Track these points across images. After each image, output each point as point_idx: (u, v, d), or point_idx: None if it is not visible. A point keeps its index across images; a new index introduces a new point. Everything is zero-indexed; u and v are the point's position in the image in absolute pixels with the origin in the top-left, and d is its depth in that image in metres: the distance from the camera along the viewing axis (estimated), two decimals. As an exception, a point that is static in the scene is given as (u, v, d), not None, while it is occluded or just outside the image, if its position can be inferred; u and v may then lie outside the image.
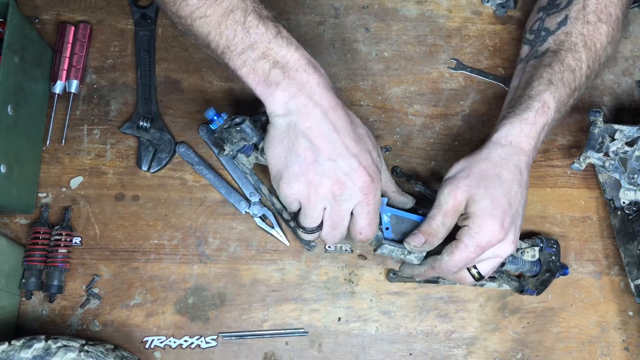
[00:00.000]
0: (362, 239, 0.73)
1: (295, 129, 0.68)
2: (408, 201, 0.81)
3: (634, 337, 0.86)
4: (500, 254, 0.74)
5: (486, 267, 0.76)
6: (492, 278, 0.85)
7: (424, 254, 0.75)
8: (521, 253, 0.83)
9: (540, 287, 0.84)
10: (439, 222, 0.73)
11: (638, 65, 0.95)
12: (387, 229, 0.76)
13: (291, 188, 0.70)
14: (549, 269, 0.83)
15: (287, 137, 0.69)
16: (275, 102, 0.68)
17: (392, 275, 0.84)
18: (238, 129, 0.74)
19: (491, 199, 0.71)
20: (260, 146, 0.75)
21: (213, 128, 0.77)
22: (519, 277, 0.87)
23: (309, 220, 0.72)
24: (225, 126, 0.75)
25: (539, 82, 0.78)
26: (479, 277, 0.76)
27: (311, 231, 0.73)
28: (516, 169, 0.74)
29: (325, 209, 0.71)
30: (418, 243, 0.73)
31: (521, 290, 0.85)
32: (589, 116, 0.84)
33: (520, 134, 0.75)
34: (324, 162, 0.68)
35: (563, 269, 0.85)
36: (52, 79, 0.89)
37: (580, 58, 0.80)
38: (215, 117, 0.77)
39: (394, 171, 0.88)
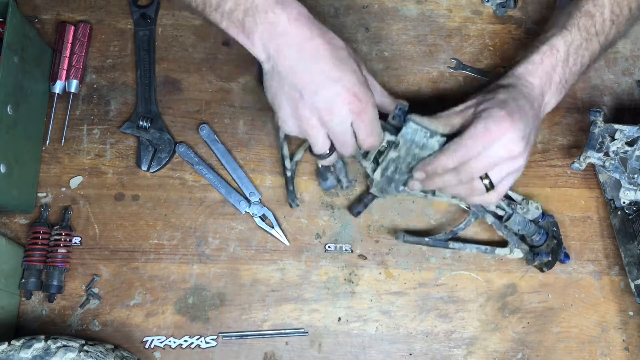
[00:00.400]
0: (367, 147, 0.76)
1: (279, 72, 0.70)
2: (403, 102, 0.82)
3: (634, 337, 0.86)
4: (511, 152, 0.73)
5: (498, 175, 0.75)
6: (503, 243, 0.85)
7: (445, 139, 0.76)
8: (526, 202, 0.84)
9: (553, 255, 0.83)
10: (450, 112, 0.78)
11: (638, 65, 0.95)
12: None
13: (288, 126, 0.74)
14: (554, 236, 0.84)
15: (273, 80, 0.72)
16: (257, 51, 0.71)
17: (402, 234, 0.84)
18: None
19: (500, 100, 0.75)
20: None
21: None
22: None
23: (317, 148, 0.75)
24: None
25: (553, 30, 0.80)
26: (491, 187, 0.75)
27: (325, 156, 0.77)
28: (525, 93, 0.76)
29: (327, 134, 0.74)
30: (430, 120, 0.77)
31: (533, 258, 0.84)
32: (589, 116, 0.84)
33: (526, 70, 0.78)
34: (308, 97, 0.70)
35: (564, 255, 0.85)
36: (51, 79, 0.88)
37: (602, 4, 0.80)
38: None
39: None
